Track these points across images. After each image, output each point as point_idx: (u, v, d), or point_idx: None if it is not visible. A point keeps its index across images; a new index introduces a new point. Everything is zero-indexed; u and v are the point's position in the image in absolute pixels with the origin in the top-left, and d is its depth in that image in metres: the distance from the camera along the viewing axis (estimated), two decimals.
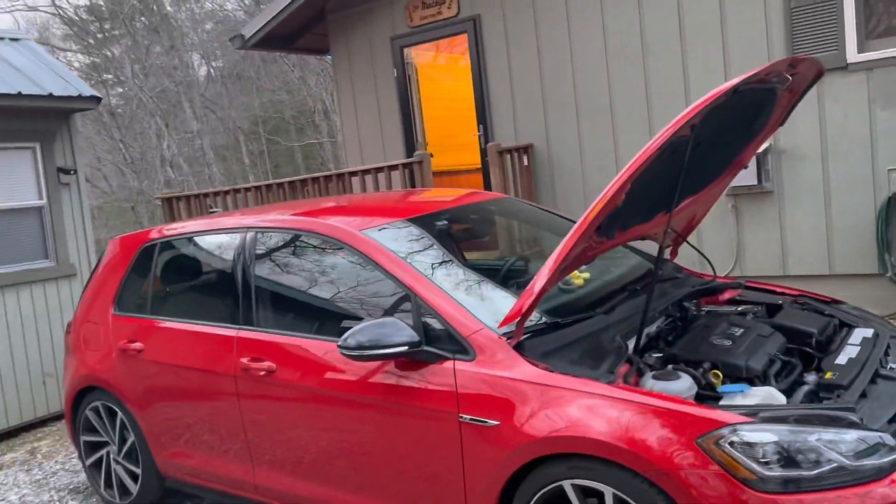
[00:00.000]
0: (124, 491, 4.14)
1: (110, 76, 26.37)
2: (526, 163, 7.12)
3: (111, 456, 4.18)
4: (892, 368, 2.75)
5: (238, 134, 26.61)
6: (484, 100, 7.43)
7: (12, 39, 6.78)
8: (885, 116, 5.44)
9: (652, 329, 3.15)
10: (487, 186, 7.28)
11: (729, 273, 6.10)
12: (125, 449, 4.08)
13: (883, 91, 5.42)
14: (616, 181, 2.45)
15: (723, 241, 6.22)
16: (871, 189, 5.56)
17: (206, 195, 7.75)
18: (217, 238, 3.92)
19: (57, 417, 6.24)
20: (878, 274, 5.58)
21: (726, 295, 3.55)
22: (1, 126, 6.04)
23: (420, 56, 8.10)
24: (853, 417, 2.34)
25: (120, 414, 4.05)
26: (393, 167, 6.36)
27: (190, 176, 24.75)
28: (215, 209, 7.34)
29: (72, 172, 6.51)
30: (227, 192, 7.60)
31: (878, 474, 2.24)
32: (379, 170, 6.40)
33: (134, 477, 4.08)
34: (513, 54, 7.17)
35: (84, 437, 4.31)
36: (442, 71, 8.57)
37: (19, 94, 5.92)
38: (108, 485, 4.22)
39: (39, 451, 5.49)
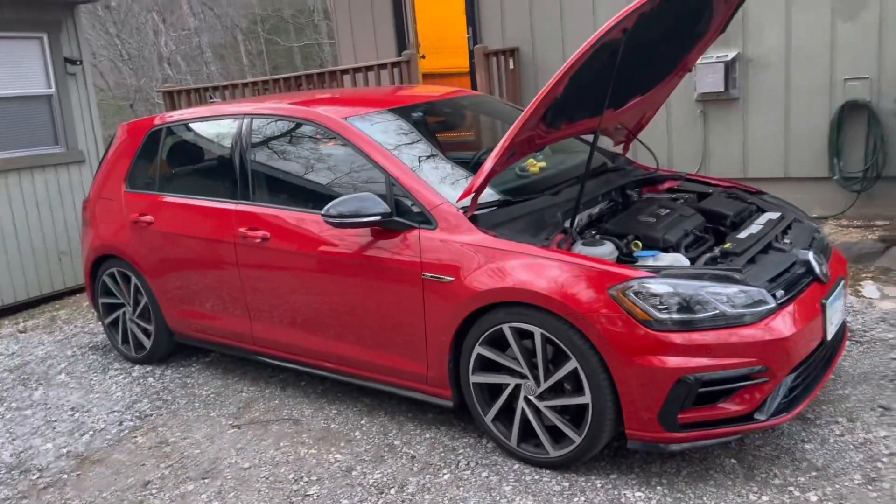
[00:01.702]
0: (139, 346, 4.76)
1: None
2: (511, 66, 7.44)
3: (127, 316, 4.76)
4: (785, 243, 3.26)
5: (236, 33, 26.35)
6: (474, 2, 7.67)
7: None
8: (846, 28, 5.77)
9: (595, 210, 3.65)
10: (474, 89, 7.63)
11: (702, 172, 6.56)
12: (139, 309, 4.66)
13: (846, 3, 5.73)
14: (554, 78, 2.89)
15: (691, 145, 6.64)
16: (828, 97, 5.94)
17: (206, 89, 8.11)
18: (217, 123, 4.37)
19: (72, 291, 6.84)
20: (827, 177, 6.04)
21: (667, 185, 4.04)
22: (10, 16, 6.34)
23: None
24: (737, 276, 2.87)
25: (133, 278, 4.60)
26: (382, 66, 6.70)
27: (188, 75, 24.69)
28: (215, 99, 7.72)
29: (78, 63, 6.85)
30: (226, 87, 7.95)
31: (752, 320, 2.79)
32: (369, 68, 6.75)
33: (147, 334, 4.68)
34: None
35: (102, 300, 4.89)
36: None
37: None
38: (125, 341, 4.83)
39: (59, 318, 6.11)
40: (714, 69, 6.19)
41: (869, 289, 4.63)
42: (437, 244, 3.24)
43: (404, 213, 3.36)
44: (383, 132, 3.72)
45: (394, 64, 6.69)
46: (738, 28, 6.13)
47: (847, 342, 3.59)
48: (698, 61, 4.08)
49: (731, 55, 6.19)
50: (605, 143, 4.42)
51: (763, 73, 6.20)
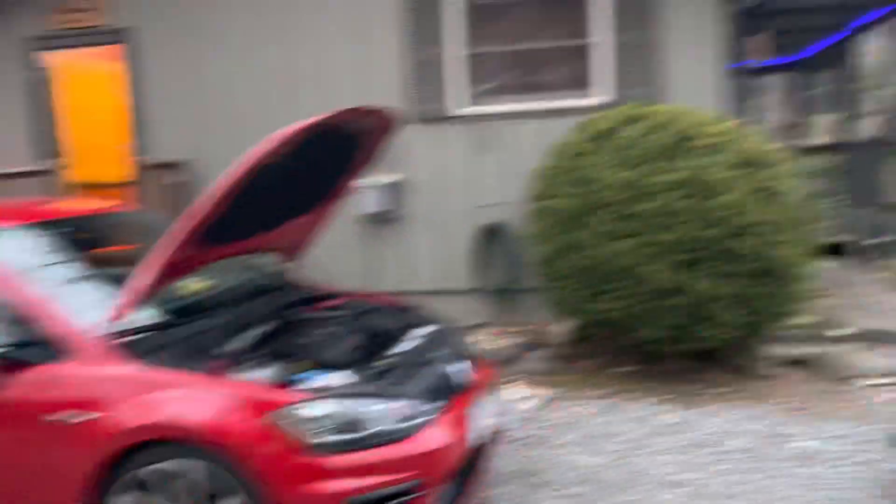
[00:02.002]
0: None
1: None
2: (178, 179, 7.17)
3: None
4: (437, 355, 3.49)
5: None
6: (138, 113, 7.33)
7: None
8: (477, 161, 6.68)
9: (258, 332, 3.56)
10: (139, 201, 7.18)
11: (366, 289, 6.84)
12: None
13: (475, 141, 6.66)
14: (207, 198, 2.83)
15: (359, 262, 6.94)
16: (472, 219, 6.71)
17: None
18: None
19: None
20: (477, 290, 6.74)
21: (329, 303, 4.11)
22: None
23: (65, 61, 7.68)
24: (391, 392, 2.97)
25: None
26: (23, 174, 6.01)
27: None
28: None
29: None
30: None
31: (406, 435, 2.89)
32: (8, 176, 6.00)
33: None
34: (171, 71, 7.17)
35: None
36: (93, 79, 8.20)
37: None
38: None
39: None
40: (380, 190, 6.64)
41: (514, 391, 5.15)
42: (73, 378, 2.87)
43: (33, 345, 2.92)
44: (10, 251, 3.27)
45: (37, 173, 6.03)
46: (401, 155, 6.69)
47: (497, 444, 3.90)
48: (363, 183, 4.32)
49: (395, 178, 6.71)
50: (272, 260, 4.41)
51: (422, 196, 6.80)
